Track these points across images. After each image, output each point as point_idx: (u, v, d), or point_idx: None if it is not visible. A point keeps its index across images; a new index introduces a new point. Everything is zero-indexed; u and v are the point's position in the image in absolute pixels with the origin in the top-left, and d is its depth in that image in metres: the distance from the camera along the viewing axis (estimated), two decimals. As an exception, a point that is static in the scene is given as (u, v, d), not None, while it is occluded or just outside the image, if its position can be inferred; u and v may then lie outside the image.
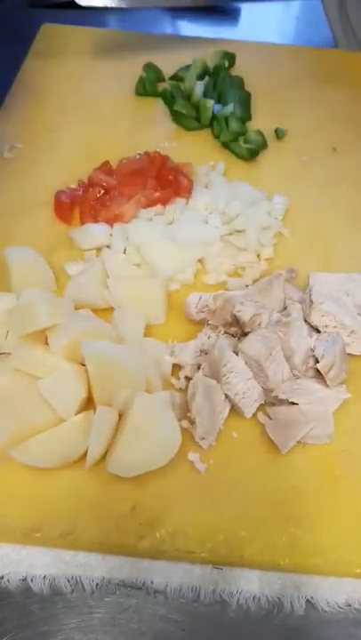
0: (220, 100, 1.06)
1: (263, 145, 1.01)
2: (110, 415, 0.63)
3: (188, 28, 1.39)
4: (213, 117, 1.03)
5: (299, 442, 0.66)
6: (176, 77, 1.13)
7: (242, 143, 0.99)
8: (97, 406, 0.64)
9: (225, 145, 1.01)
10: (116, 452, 0.60)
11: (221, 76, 1.09)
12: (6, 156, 0.96)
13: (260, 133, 1.01)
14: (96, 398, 0.65)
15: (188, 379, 0.70)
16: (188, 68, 1.11)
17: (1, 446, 0.61)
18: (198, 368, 0.70)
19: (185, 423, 0.66)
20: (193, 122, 1.03)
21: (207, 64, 1.13)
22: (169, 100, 1.06)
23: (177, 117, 1.04)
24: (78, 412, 0.63)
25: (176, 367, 0.72)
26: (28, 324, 0.66)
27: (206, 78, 1.10)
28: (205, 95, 1.06)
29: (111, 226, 0.85)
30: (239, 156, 1.00)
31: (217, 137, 1.02)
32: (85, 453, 0.62)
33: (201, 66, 1.11)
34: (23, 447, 0.61)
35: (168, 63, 1.16)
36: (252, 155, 0.99)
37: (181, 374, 0.71)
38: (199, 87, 1.06)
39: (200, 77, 1.09)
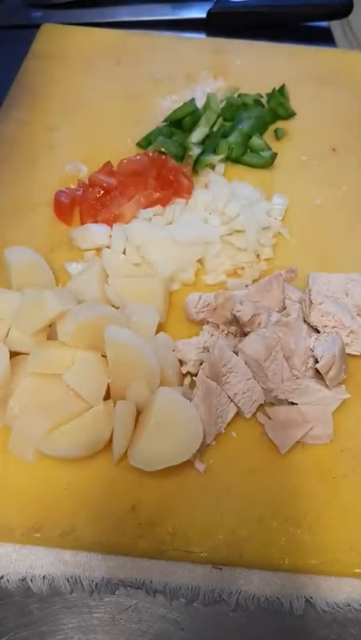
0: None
1: (268, 147, 1.01)
2: (130, 408, 0.64)
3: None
4: (198, 160, 0.95)
5: (298, 442, 0.66)
6: (180, 123, 1.02)
7: (262, 153, 0.98)
8: (113, 398, 0.65)
9: (236, 161, 0.99)
10: (139, 447, 0.61)
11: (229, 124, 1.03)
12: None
13: (260, 137, 1.01)
14: (111, 387, 0.66)
15: (190, 374, 0.71)
16: (190, 106, 1.02)
17: (37, 444, 0.62)
18: (201, 364, 0.70)
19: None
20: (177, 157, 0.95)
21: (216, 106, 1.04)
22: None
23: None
24: (105, 398, 0.64)
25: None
26: (39, 315, 0.67)
27: (219, 120, 1.04)
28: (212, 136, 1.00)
29: (111, 226, 0.85)
30: (260, 167, 0.98)
31: (194, 170, 0.95)
32: (107, 442, 0.63)
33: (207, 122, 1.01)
34: (50, 439, 0.61)
35: (168, 63, 1.16)
36: (273, 160, 0.98)
37: (184, 370, 0.71)
38: (196, 136, 0.98)
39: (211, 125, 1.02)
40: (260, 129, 1.04)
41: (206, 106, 1.04)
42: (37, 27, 1.23)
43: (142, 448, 0.61)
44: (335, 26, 1.40)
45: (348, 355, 0.72)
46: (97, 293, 0.75)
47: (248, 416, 0.68)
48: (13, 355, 0.67)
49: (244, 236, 0.85)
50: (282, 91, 1.10)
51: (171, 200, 0.89)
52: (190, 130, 1.01)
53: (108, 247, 0.83)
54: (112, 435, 0.63)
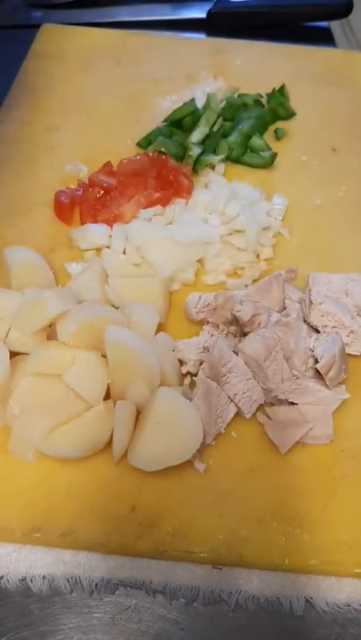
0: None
1: (268, 147, 1.01)
2: (130, 408, 0.64)
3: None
4: (198, 160, 0.95)
5: (298, 442, 0.66)
6: (180, 123, 1.02)
7: (262, 153, 0.98)
8: (113, 398, 0.65)
9: (236, 161, 0.99)
10: (139, 447, 0.61)
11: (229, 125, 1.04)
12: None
13: (260, 137, 1.01)
14: (111, 388, 0.66)
15: (190, 374, 0.71)
16: (190, 106, 1.02)
17: (37, 444, 0.62)
18: (201, 364, 0.70)
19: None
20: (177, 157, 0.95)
21: (216, 106, 1.04)
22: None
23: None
24: (105, 399, 0.64)
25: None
26: (39, 315, 0.67)
27: (219, 120, 1.04)
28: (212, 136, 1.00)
29: (111, 226, 0.85)
30: (260, 167, 0.98)
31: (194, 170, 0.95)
32: (108, 443, 0.63)
33: (207, 122, 1.01)
34: (50, 439, 0.61)
35: (168, 63, 1.17)
36: (273, 160, 0.98)
37: (184, 370, 0.71)
38: (196, 136, 0.98)
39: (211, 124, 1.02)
40: (260, 129, 1.04)
41: (206, 106, 1.04)
42: (37, 27, 1.23)
43: (142, 448, 0.61)
44: (335, 26, 1.40)
45: (349, 355, 0.72)
46: (97, 293, 0.75)
47: (248, 416, 0.68)
48: (13, 355, 0.67)
49: (244, 235, 0.84)
50: (282, 91, 1.10)
51: (171, 200, 0.89)
52: (190, 130, 1.01)
53: (108, 247, 0.83)
54: (112, 435, 0.63)
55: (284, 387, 0.66)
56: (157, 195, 0.88)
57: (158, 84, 1.12)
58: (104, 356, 0.66)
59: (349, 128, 1.07)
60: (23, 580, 0.59)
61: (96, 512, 0.61)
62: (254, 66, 1.18)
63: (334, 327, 0.71)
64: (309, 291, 0.73)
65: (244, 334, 0.71)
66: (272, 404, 0.69)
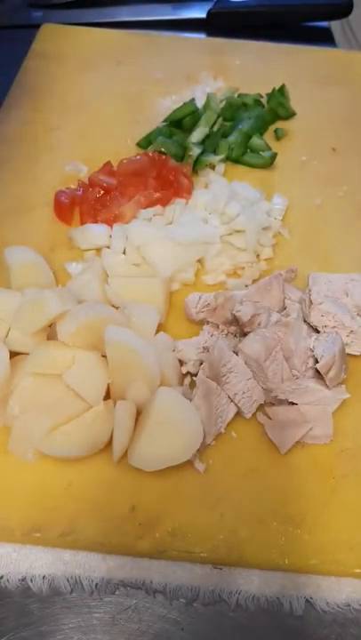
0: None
1: (268, 147, 1.01)
2: (130, 408, 0.64)
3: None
4: (198, 160, 0.96)
5: (298, 442, 0.66)
6: (180, 123, 1.02)
7: (262, 153, 0.98)
8: (113, 398, 0.65)
9: (236, 161, 0.99)
10: (139, 447, 0.61)
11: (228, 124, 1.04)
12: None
13: (260, 137, 1.01)
14: (111, 388, 0.66)
15: (190, 374, 0.71)
16: (190, 105, 1.02)
17: (37, 444, 0.62)
18: (201, 364, 0.70)
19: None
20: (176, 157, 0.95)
21: (216, 106, 1.04)
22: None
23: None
24: (105, 399, 0.64)
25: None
26: (39, 316, 0.67)
27: (219, 120, 1.04)
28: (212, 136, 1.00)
29: (111, 226, 0.85)
30: (260, 167, 0.98)
31: (194, 170, 0.95)
32: (108, 443, 0.63)
33: (207, 121, 1.01)
34: (50, 439, 0.61)
35: (168, 63, 1.16)
36: (273, 160, 0.98)
37: (184, 370, 0.71)
38: (196, 136, 0.98)
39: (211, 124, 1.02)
40: (260, 129, 1.04)
41: (206, 106, 1.04)
42: (37, 27, 1.23)
43: (142, 448, 0.61)
44: (335, 26, 1.40)
45: (349, 355, 0.72)
46: (97, 293, 0.75)
47: (248, 416, 0.68)
48: (13, 355, 0.67)
49: (244, 235, 0.84)
50: (282, 91, 1.10)
51: (171, 200, 0.89)
52: (190, 130, 1.01)
53: (108, 247, 0.83)
54: (112, 435, 0.63)
55: (284, 387, 0.66)
56: (157, 195, 0.88)
57: (158, 84, 1.12)
58: (104, 356, 0.66)
59: (349, 128, 1.07)
60: (23, 579, 0.59)
61: (96, 512, 0.61)
62: (254, 66, 1.18)
63: (334, 327, 0.71)
64: (309, 291, 0.73)
65: (244, 334, 0.71)
66: (272, 404, 0.69)
